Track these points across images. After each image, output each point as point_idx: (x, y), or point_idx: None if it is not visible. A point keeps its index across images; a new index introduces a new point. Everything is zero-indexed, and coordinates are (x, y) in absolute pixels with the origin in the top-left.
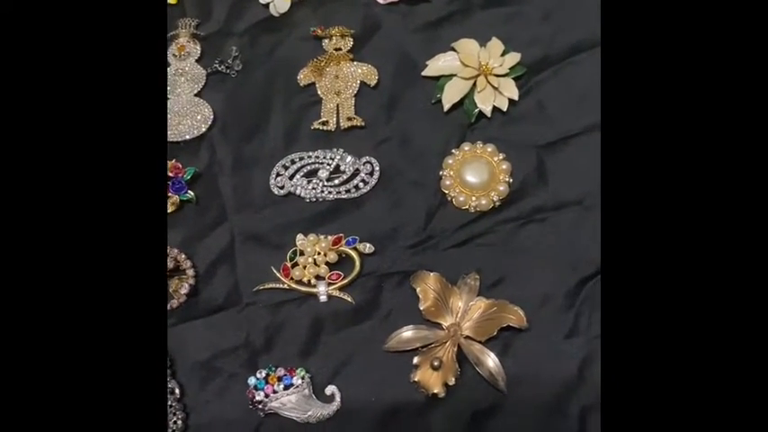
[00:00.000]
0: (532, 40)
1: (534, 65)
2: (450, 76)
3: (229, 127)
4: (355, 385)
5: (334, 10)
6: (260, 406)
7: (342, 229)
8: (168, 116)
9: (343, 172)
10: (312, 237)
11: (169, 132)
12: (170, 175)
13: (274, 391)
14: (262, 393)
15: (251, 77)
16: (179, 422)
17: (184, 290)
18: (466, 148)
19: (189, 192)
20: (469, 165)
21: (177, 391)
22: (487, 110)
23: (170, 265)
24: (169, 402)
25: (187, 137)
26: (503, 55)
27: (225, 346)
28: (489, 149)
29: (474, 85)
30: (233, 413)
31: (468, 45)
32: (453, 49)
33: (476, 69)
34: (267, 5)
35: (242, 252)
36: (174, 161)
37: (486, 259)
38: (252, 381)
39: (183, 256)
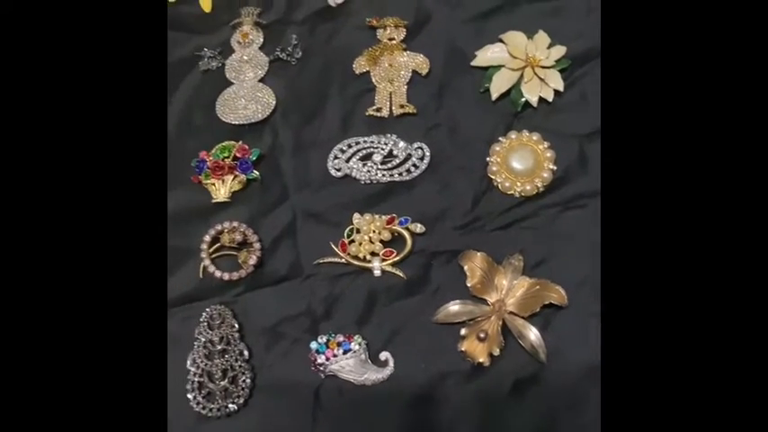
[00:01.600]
0: (577, 34)
1: (578, 57)
2: (499, 66)
3: (290, 112)
4: (406, 353)
5: (387, 1)
6: (321, 368)
7: (393, 209)
8: (234, 100)
9: (396, 156)
10: (368, 216)
11: (235, 116)
12: (237, 155)
13: (334, 355)
14: (323, 357)
15: (309, 65)
16: (247, 380)
17: (252, 261)
18: (513, 136)
19: (254, 171)
20: (516, 152)
21: (246, 353)
22: (533, 100)
23: (239, 238)
24: (239, 363)
25: (252, 120)
26: (549, 47)
27: (288, 314)
28: (535, 138)
29: (521, 75)
30: (296, 374)
31: (515, 37)
32: (501, 41)
33: (523, 61)
34: None
35: (303, 228)
36: (240, 143)
37: (529, 241)
38: (314, 345)
39: (251, 230)
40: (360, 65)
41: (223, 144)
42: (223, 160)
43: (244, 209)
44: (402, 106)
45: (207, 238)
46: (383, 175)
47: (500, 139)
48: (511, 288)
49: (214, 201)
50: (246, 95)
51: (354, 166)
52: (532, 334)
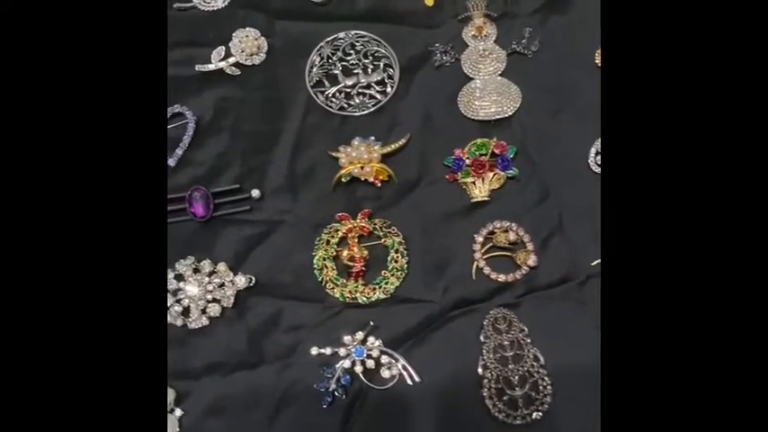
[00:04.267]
0: None
1: None
2: None
3: (536, 105)
4: None
5: None
6: None
7: None
8: (479, 96)
9: None
10: None
11: (482, 112)
12: (495, 152)
13: None
14: None
15: (547, 57)
16: (548, 387)
17: (531, 261)
18: None
19: (513, 168)
20: None
21: (541, 358)
22: None
23: (512, 238)
24: (536, 369)
25: (501, 116)
26: None
27: (575, 316)
28: None
29: None
30: None
31: None
32: None
33: None
34: None
35: (571, 226)
36: (495, 139)
37: None
38: None
39: (522, 230)
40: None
41: (478, 141)
42: (480, 157)
43: (504, 207)
44: None
45: (479, 238)
46: None
47: None
48: None
49: (474, 200)
50: (491, 90)
51: None
52: None
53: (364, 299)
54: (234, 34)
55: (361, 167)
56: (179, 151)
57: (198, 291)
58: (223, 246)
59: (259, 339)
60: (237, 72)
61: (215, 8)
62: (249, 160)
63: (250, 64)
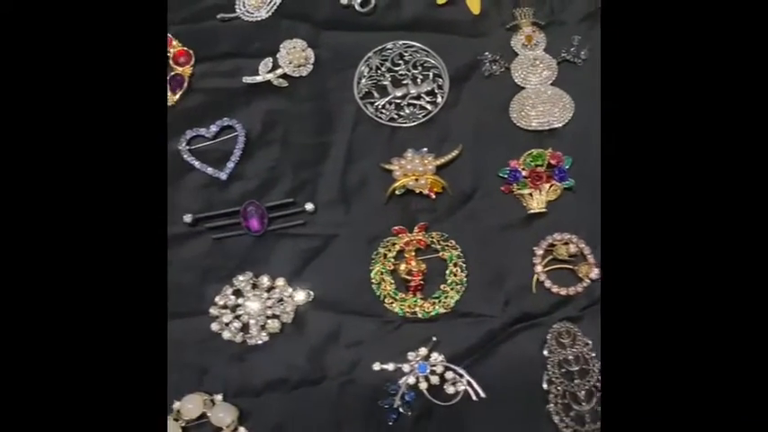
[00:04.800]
0: None
1: None
2: None
3: (588, 114)
4: None
5: None
6: None
7: None
8: (534, 105)
9: None
10: None
11: (535, 122)
12: (551, 163)
13: None
14: None
15: (597, 65)
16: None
17: (594, 274)
18: None
19: (570, 179)
20: None
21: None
22: None
23: (573, 250)
24: (593, 382)
25: (554, 125)
26: None
27: None
28: None
29: None
30: None
31: None
32: None
33: None
34: None
35: None
36: (550, 150)
37: None
38: None
39: (583, 242)
40: None
41: (534, 152)
42: (536, 168)
43: (560, 219)
44: None
45: (539, 251)
46: None
47: None
48: None
49: (531, 211)
50: (544, 100)
51: None
52: None
53: (424, 313)
54: (281, 45)
55: (416, 179)
56: (230, 164)
57: (259, 306)
58: (278, 260)
59: (320, 355)
60: (285, 84)
61: (259, 18)
62: (300, 173)
63: (297, 75)
